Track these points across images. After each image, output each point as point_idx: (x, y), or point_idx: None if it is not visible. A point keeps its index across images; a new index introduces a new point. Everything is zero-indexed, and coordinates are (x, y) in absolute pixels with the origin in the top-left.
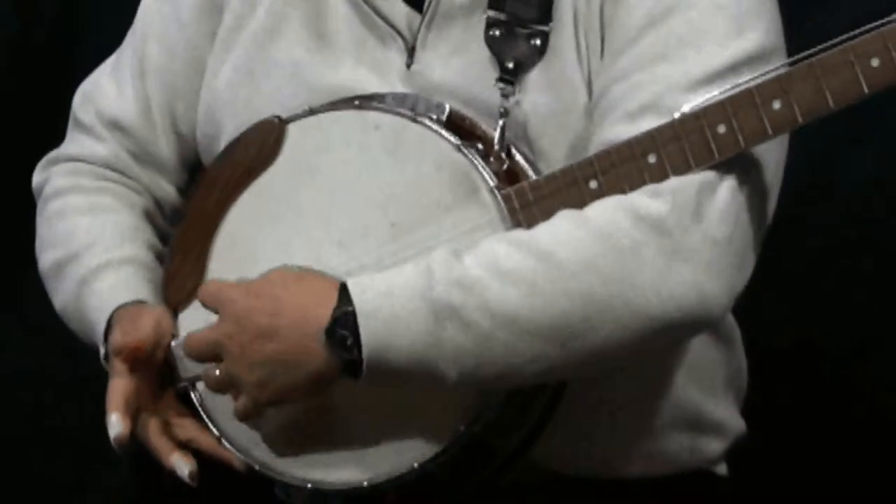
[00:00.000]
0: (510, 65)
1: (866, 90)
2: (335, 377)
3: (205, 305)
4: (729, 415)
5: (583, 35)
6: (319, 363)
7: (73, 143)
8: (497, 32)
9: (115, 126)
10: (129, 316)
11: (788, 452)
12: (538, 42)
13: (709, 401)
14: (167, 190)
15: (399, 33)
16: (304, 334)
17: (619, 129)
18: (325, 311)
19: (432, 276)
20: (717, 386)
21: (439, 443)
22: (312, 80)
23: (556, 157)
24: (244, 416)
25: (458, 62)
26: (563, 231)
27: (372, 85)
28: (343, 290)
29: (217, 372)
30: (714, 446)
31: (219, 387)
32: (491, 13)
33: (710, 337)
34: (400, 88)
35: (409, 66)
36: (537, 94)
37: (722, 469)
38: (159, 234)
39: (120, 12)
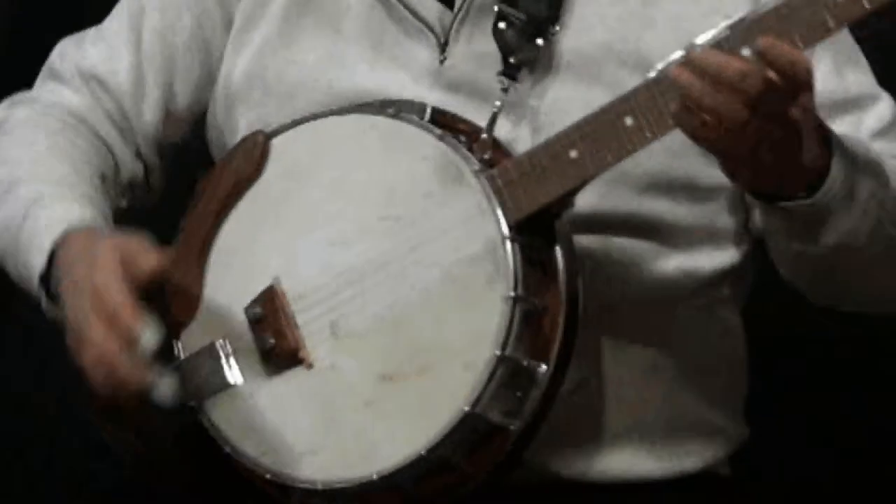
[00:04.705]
0: (512, 60)
1: None
2: None
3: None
4: (731, 417)
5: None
6: None
7: (45, 89)
8: (503, 25)
9: (97, 82)
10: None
11: (788, 452)
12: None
13: (710, 403)
14: (131, 164)
15: (430, 28)
16: None
17: None
18: None
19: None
20: (718, 388)
21: (444, 427)
22: (327, 87)
23: None
24: None
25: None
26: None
27: (394, 85)
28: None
29: None
30: (717, 449)
31: None
32: (503, 7)
33: (713, 339)
34: (427, 84)
35: (441, 61)
36: (559, 89)
37: (724, 470)
38: (110, 204)
39: None
